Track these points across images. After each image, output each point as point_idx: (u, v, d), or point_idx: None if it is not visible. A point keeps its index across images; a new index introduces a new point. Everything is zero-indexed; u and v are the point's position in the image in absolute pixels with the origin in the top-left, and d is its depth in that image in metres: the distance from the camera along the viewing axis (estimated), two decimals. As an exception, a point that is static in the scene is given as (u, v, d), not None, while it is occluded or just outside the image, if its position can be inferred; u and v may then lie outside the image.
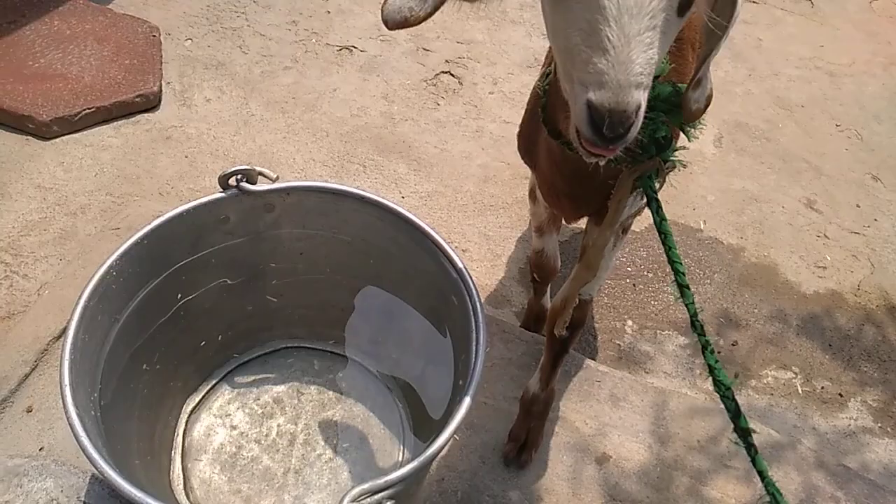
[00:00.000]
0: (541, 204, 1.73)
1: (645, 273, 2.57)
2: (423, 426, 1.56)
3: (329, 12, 3.53)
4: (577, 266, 1.52)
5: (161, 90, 2.93)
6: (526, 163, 1.63)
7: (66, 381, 1.05)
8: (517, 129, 1.61)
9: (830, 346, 2.42)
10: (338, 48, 3.32)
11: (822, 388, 2.29)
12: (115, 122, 2.78)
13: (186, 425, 1.51)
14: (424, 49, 3.39)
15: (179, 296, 1.40)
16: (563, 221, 1.81)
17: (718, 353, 2.34)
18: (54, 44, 2.95)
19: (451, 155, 2.90)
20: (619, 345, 2.35)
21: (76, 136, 2.68)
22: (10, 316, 2.06)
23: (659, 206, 1.24)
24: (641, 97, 0.90)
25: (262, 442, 1.53)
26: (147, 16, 3.30)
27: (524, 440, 1.78)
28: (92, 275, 1.19)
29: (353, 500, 0.99)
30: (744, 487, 1.82)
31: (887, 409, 2.26)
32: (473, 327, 1.22)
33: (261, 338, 1.64)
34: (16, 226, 2.31)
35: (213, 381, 1.58)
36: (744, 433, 1.27)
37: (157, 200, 2.47)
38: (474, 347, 1.20)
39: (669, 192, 2.87)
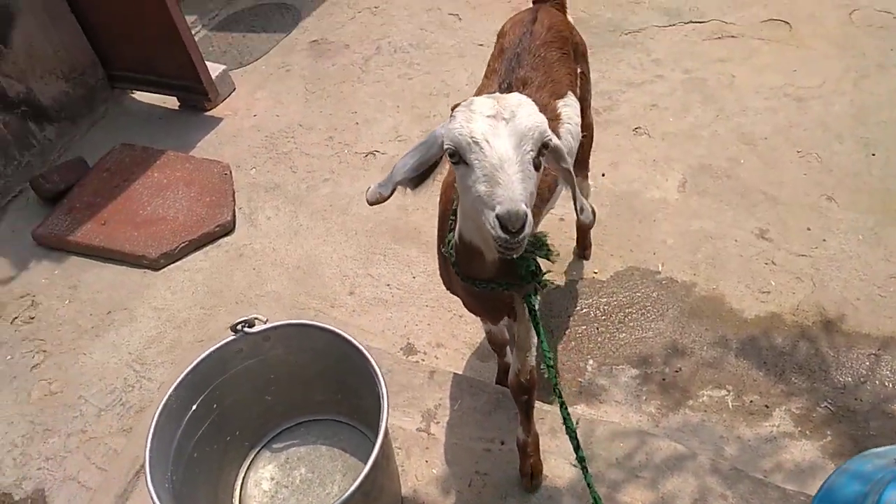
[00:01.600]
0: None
1: (606, 317, 3.15)
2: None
3: (357, 123, 4.37)
4: (515, 349, 2.18)
5: (234, 217, 3.88)
6: (451, 292, 2.24)
7: (148, 469, 1.89)
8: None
9: (765, 363, 2.90)
10: (364, 154, 4.15)
11: (751, 401, 2.79)
12: (204, 248, 3.74)
13: (242, 481, 2.36)
14: (434, 142, 4.13)
15: (220, 402, 2.24)
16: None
17: (663, 380, 2.89)
18: (156, 192, 3.98)
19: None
20: (580, 381, 2.96)
21: (177, 264, 3.67)
22: (142, 409, 3.02)
23: (535, 314, 1.86)
24: (527, 209, 1.38)
25: (290, 486, 2.34)
26: (221, 153, 4.29)
27: (531, 472, 2.42)
28: (161, 400, 2.04)
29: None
30: (649, 492, 2.40)
31: (808, 415, 2.72)
32: (384, 399, 1.95)
33: (286, 417, 2.47)
34: (141, 341, 3.30)
35: (258, 449, 2.43)
36: (581, 460, 1.92)
37: (232, 310, 3.37)
38: (381, 431, 1.93)
39: (633, 241, 3.43)
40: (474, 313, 2.29)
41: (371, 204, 1.69)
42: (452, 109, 1.52)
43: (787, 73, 4.19)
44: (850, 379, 2.77)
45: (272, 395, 2.38)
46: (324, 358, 2.28)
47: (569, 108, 2.21)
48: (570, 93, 2.26)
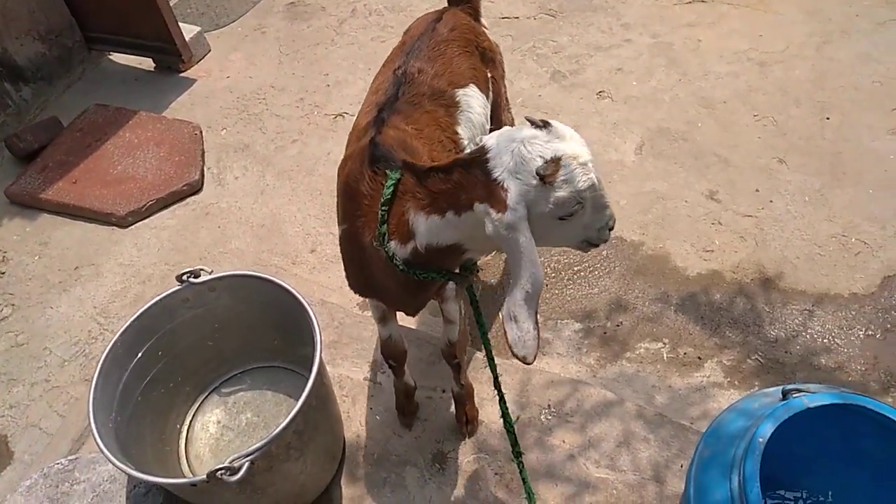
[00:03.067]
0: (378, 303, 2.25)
1: (556, 275, 3.25)
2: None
3: (329, 85, 4.43)
4: (444, 325, 2.33)
5: (203, 176, 3.96)
6: (362, 295, 2.21)
7: (91, 410, 2.01)
8: (349, 282, 2.12)
9: (702, 318, 3.00)
10: (333, 116, 4.22)
11: (685, 353, 2.90)
12: (172, 207, 3.83)
13: (189, 423, 2.49)
14: (400, 104, 4.19)
15: (168, 349, 2.35)
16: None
17: (604, 333, 3.00)
18: (127, 152, 4.07)
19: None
20: (527, 335, 3.07)
21: (145, 221, 3.76)
22: (106, 359, 3.14)
23: (476, 303, 2.02)
24: None
25: (235, 429, 2.47)
26: (194, 114, 4.37)
27: (466, 419, 2.56)
28: (106, 346, 2.16)
29: (231, 462, 1.88)
30: (577, 435, 2.53)
31: (738, 366, 2.83)
32: (317, 347, 2.07)
33: (234, 364, 2.59)
34: (106, 296, 3.41)
35: (206, 394, 2.55)
36: (518, 455, 2.11)
37: (196, 266, 3.47)
38: (316, 364, 2.04)
39: (588, 202, 3.51)
40: (398, 307, 2.24)
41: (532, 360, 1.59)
42: (543, 178, 1.44)
43: (753, 37, 4.23)
44: (782, 333, 2.88)
45: (219, 343, 2.49)
46: (268, 308, 2.39)
47: (470, 97, 2.19)
48: (472, 85, 2.23)
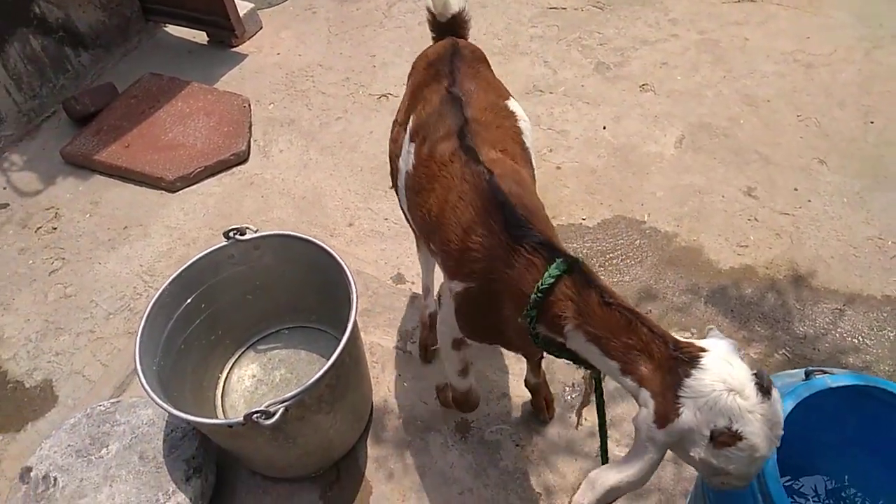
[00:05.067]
0: (469, 346, 2.08)
1: (588, 261, 3.29)
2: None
3: (374, 66, 4.52)
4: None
5: (249, 147, 4.09)
6: (479, 341, 1.99)
7: (137, 352, 2.13)
8: (460, 333, 1.97)
9: (731, 311, 3.02)
10: (377, 96, 4.31)
11: (713, 344, 2.92)
12: (218, 175, 3.96)
13: (226, 376, 2.60)
14: (444, 88, 4.26)
15: (211, 302, 2.46)
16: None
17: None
18: (178, 120, 4.21)
19: (453, 176, 3.78)
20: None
21: (192, 188, 3.90)
22: (149, 314, 3.28)
23: (601, 392, 1.85)
24: None
25: (269, 384, 2.58)
26: (243, 88, 4.49)
27: (546, 404, 2.61)
28: (153, 295, 2.28)
29: (267, 406, 1.98)
30: (600, 414, 2.58)
31: (765, 360, 2.85)
32: (353, 306, 2.15)
33: (272, 322, 2.70)
34: (153, 255, 3.55)
35: (244, 349, 2.67)
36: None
37: (239, 231, 3.60)
38: (350, 323, 2.13)
39: (624, 192, 3.55)
40: (519, 353, 2.30)
41: None
42: (712, 439, 1.34)
43: (801, 39, 4.21)
44: (811, 330, 2.89)
45: (259, 301, 2.60)
46: (308, 269, 2.49)
47: (517, 106, 2.16)
48: (512, 98, 2.19)
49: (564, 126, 3.92)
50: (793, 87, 3.92)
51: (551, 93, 4.13)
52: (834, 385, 1.66)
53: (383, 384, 2.78)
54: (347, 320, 2.13)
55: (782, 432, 1.37)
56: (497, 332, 1.85)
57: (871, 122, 3.66)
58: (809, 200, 3.37)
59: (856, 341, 2.85)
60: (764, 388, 1.34)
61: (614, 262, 3.28)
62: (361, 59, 4.58)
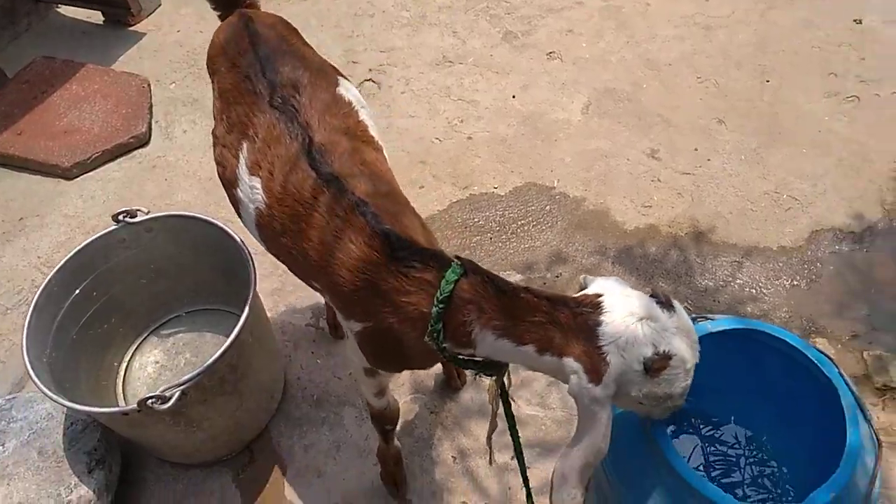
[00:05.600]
0: (384, 376, 2.04)
1: (500, 228, 3.31)
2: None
3: (280, 41, 4.40)
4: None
5: (150, 129, 3.93)
6: (390, 371, 2.03)
7: (24, 345, 2.03)
8: (371, 364, 1.88)
9: (637, 269, 3.10)
10: (284, 72, 4.20)
11: (621, 303, 2.99)
12: (118, 160, 3.80)
13: (127, 364, 2.51)
14: (353, 62, 4.20)
15: (103, 290, 2.37)
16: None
17: (544, 283, 3.08)
18: (73, 104, 4.01)
19: (363, 150, 3.73)
20: (469, 285, 3.13)
21: (91, 174, 3.73)
22: (48, 307, 3.13)
23: (507, 394, 1.76)
24: None
25: (174, 370, 2.51)
26: (142, 68, 4.31)
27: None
28: (40, 284, 2.17)
29: (163, 391, 1.92)
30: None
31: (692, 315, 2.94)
32: (252, 284, 2.10)
33: (173, 306, 2.62)
34: (50, 246, 3.39)
35: (145, 335, 2.58)
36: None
37: (142, 216, 3.47)
38: (248, 300, 2.08)
39: (534, 159, 3.58)
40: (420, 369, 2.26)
41: None
42: (648, 370, 1.36)
43: (700, 2, 4.31)
44: (711, 283, 2.99)
45: (157, 285, 2.52)
46: (206, 250, 2.42)
47: (349, 86, 1.99)
48: (340, 78, 2.01)
49: (474, 96, 3.92)
50: (692, 50, 4.02)
51: (461, 63, 4.12)
52: (714, 329, 1.72)
53: (296, 362, 2.74)
54: (247, 298, 2.08)
55: (696, 335, 1.44)
56: (407, 360, 1.79)
57: (767, 81, 3.79)
58: (709, 159, 3.48)
59: (753, 291, 2.97)
60: (666, 304, 1.41)
61: (526, 228, 3.31)
62: (267, 35, 4.45)
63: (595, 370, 1.36)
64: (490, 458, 2.06)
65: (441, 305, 1.48)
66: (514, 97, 3.89)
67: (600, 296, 1.43)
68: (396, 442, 2.36)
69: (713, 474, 2.03)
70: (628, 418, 1.68)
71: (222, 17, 2.14)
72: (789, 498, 1.89)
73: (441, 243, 3.24)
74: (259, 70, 1.83)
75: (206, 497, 2.46)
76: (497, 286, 1.48)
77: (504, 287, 1.48)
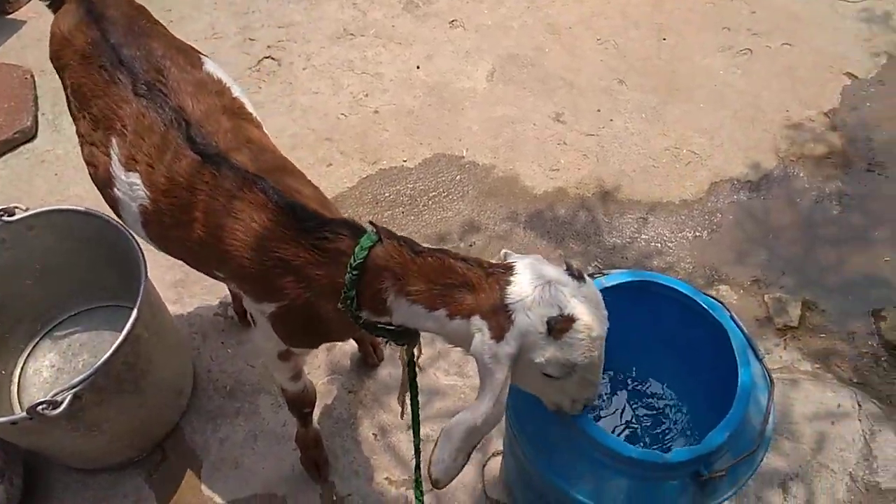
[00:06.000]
0: (298, 357, 1.98)
1: (412, 201, 3.28)
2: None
3: (171, 22, 4.19)
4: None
5: (36, 123, 3.70)
6: (311, 348, 1.99)
7: None
8: (285, 346, 1.84)
9: (548, 232, 3.13)
10: (178, 54, 4.01)
11: (533, 267, 3.02)
12: (3, 157, 3.57)
13: (21, 369, 2.38)
14: (250, 39, 4.05)
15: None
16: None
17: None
18: (-51, 101, 3.73)
19: (268, 131, 3.59)
20: (382, 261, 3.10)
21: (-26, 173, 3.49)
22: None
23: (413, 365, 1.72)
24: None
25: (72, 373, 2.38)
26: (24, 58, 4.04)
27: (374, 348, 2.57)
28: None
29: (53, 396, 1.81)
30: (427, 349, 2.60)
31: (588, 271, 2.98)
32: (142, 277, 2.01)
33: (67, 305, 2.49)
34: (-68, 253, 3.16)
35: (37, 339, 2.44)
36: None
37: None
38: (140, 295, 1.99)
39: (442, 129, 3.55)
40: (329, 341, 2.06)
41: (443, 486, 1.44)
42: (550, 330, 1.33)
43: (597, -36, 4.33)
44: (619, 241, 3.05)
45: (46, 285, 2.38)
46: (96, 245, 2.30)
47: (213, 65, 1.92)
48: (203, 56, 1.94)
49: (378, 69, 3.85)
50: (591, 13, 4.05)
51: (362, 35, 4.03)
52: (608, 284, 1.74)
53: (205, 354, 2.66)
54: (138, 293, 1.98)
55: (606, 312, 1.42)
56: (325, 334, 1.77)
57: (664, 40, 3.86)
58: (612, 119, 3.53)
59: (659, 245, 3.05)
60: (576, 275, 1.41)
61: (437, 199, 3.29)
62: (157, 14, 4.23)
63: (498, 325, 1.35)
64: (402, 413, 2.08)
65: (355, 272, 1.46)
66: (418, 68, 3.84)
67: (514, 264, 1.43)
68: (315, 425, 2.33)
69: (645, 425, 2.08)
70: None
71: (54, 7, 1.97)
72: (694, 443, 1.95)
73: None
74: (114, 58, 1.72)
75: (119, 500, 2.36)
76: (413, 249, 1.48)
77: (419, 250, 1.48)
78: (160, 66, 1.74)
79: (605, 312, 1.43)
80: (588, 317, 1.36)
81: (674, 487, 1.55)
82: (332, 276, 1.51)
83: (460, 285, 1.43)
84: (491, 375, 1.36)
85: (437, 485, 1.41)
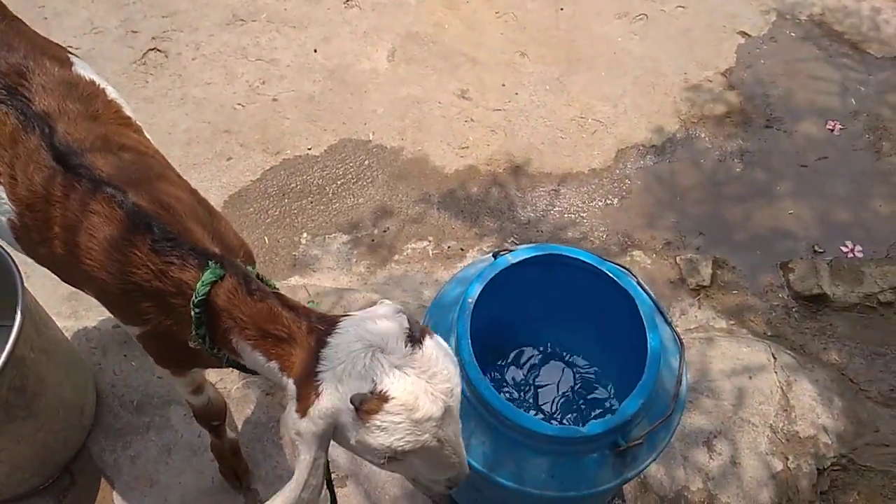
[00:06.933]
0: (193, 372, 1.83)
1: (320, 191, 3.17)
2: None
3: (46, 18, 3.91)
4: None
5: None
6: (181, 369, 1.76)
7: None
8: (162, 366, 1.72)
9: (462, 212, 3.09)
10: (56, 52, 3.74)
11: (449, 247, 2.98)
12: None
13: None
14: (133, 31, 3.81)
15: None
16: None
17: (372, 241, 2.99)
18: None
19: (160, 127, 3.41)
20: (294, 255, 2.99)
21: None
22: None
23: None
24: None
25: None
26: None
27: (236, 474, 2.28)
28: None
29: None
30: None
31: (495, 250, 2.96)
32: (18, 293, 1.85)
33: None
34: None
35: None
36: None
37: None
38: (18, 314, 1.83)
39: (346, 114, 3.44)
40: (204, 366, 1.82)
41: None
42: (357, 410, 1.13)
43: (491, -64, 4.28)
44: (532, 214, 3.04)
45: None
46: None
47: (85, 66, 1.76)
48: (73, 56, 1.77)
49: (273, 55, 3.70)
50: (490, -14, 4.00)
51: (254, 21, 3.86)
52: (514, 260, 1.71)
53: (108, 369, 2.49)
54: (15, 311, 1.82)
55: (451, 385, 1.18)
56: (197, 361, 1.62)
57: (562, 10, 3.86)
58: (517, 93, 3.50)
59: (572, 216, 3.05)
60: (414, 338, 1.17)
61: (347, 186, 3.20)
62: (29, 11, 3.94)
63: (305, 396, 1.16)
64: None
65: (198, 310, 1.32)
66: (316, 51, 3.71)
67: (338, 323, 1.22)
68: (230, 433, 2.21)
69: (577, 399, 2.08)
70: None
71: None
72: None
73: (259, 215, 3.08)
74: None
75: (26, 533, 2.20)
76: (248, 288, 1.32)
77: (253, 289, 1.32)
78: (22, 67, 1.58)
79: (450, 385, 1.18)
80: (409, 396, 1.12)
81: (594, 460, 1.54)
82: (187, 305, 1.35)
83: (287, 337, 1.27)
84: (298, 456, 1.17)
85: None
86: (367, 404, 1.11)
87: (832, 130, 3.37)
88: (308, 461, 1.16)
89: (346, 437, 1.17)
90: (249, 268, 1.43)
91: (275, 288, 1.43)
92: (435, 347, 1.19)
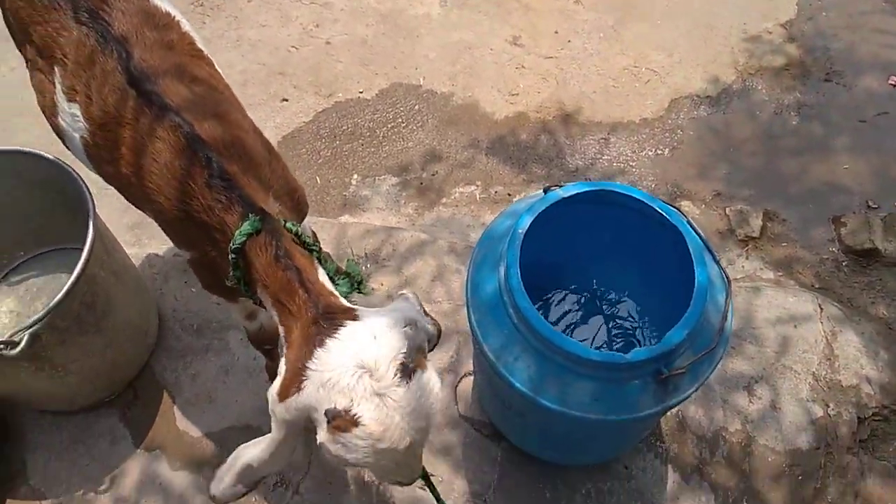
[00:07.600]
0: (247, 301, 1.75)
1: (371, 133, 3.23)
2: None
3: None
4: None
5: (-27, 69, 3.54)
6: (226, 298, 1.82)
7: None
8: (208, 291, 1.79)
9: (510, 158, 3.11)
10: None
11: (496, 192, 3.01)
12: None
13: (-23, 318, 2.34)
14: (194, -26, 3.88)
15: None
16: None
17: (421, 184, 3.05)
18: None
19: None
20: (344, 195, 3.06)
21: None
22: None
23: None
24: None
25: (32, 316, 2.35)
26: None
27: None
28: None
29: (10, 336, 1.78)
30: (394, 277, 2.60)
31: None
32: (90, 217, 1.96)
33: (18, 251, 2.43)
34: None
35: (-8, 287, 2.40)
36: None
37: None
38: (90, 234, 1.94)
39: (398, 58, 3.47)
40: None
41: None
42: (329, 423, 1.20)
43: None
44: (581, 162, 3.05)
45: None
46: (42, 186, 2.22)
47: (166, 3, 1.77)
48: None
49: (328, -2, 3.73)
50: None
51: (310, -35, 3.88)
52: (565, 195, 1.74)
53: (169, 294, 2.62)
54: (87, 231, 1.93)
55: (426, 424, 1.24)
56: (240, 292, 1.65)
57: (619, -43, 3.78)
58: (569, 41, 3.48)
59: (621, 165, 3.05)
60: (407, 371, 1.21)
61: (397, 130, 3.25)
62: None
63: (286, 388, 1.25)
64: None
65: (234, 255, 1.41)
66: (369, -5, 3.73)
67: (355, 318, 1.28)
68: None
69: (615, 334, 2.12)
70: (489, 300, 1.69)
71: None
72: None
73: (311, 156, 3.15)
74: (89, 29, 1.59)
75: (95, 440, 2.36)
76: (277, 255, 1.38)
77: (280, 260, 1.38)
78: (126, 35, 1.61)
79: (425, 424, 1.24)
80: (378, 427, 1.18)
81: (636, 387, 1.58)
82: (228, 246, 1.44)
83: (295, 314, 1.33)
84: (273, 426, 1.30)
85: (213, 500, 1.39)
86: (338, 421, 1.18)
87: (895, 86, 3.27)
88: (277, 439, 1.28)
89: (312, 429, 1.25)
90: (290, 225, 1.46)
91: (313, 247, 1.47)
92: (422, 384, 1.24)
